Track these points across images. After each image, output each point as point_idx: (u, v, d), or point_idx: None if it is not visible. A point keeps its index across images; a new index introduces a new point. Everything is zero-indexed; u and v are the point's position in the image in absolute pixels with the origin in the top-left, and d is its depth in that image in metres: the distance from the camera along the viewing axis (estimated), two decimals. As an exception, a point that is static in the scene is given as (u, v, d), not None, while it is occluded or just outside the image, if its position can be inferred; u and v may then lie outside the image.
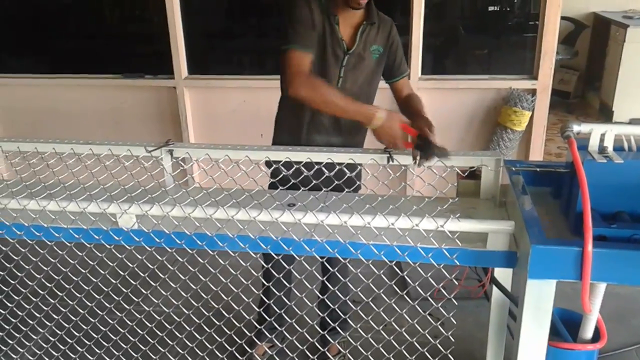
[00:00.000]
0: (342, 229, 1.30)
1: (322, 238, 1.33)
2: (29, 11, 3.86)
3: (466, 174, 1.54)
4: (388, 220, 1.25)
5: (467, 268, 2.03)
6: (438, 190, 1.41)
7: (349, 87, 2.02)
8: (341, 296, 1.75)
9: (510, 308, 1.73)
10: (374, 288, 1.35)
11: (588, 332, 1.43)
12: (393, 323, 1.35)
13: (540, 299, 1.16)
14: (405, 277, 1.35)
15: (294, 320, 1.48)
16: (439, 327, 1.33)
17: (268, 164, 1.67)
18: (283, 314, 1.59)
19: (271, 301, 1.58)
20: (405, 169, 1.54)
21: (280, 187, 1.60)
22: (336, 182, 1.45)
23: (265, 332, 1.73)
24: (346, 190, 1.51)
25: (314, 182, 1.50)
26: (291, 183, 1.49)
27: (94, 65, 3.82)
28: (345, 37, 1.98)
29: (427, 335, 1.34)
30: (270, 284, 1.54)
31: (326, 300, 1.61)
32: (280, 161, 1.60)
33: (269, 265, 1.52)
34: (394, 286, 1.40)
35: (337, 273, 1.53)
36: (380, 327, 1.39)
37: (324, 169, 1.52)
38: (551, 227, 1.28)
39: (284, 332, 1.51)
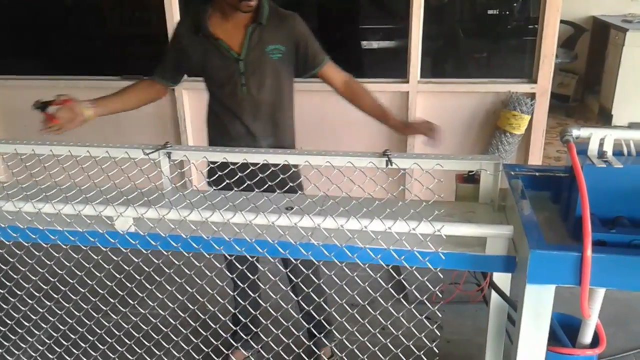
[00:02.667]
0: (339, 232, 1.29)
1: (318, 242, 1.32)
2: (28, 13, 3.85)
3: (465, 177, 1.54)
4: (385, 224, 1.24)
5: (465, 272, 2.02)
6: (436, 194, 1.40)
7: (255, 92, 2.03)
8: (312, 301, 1.73)
9: (509, 312, 1.72)
10: (371, 292, 1.34)
11: (587, 337, 1.42)
12: (390, 326, 1.34)
13: (539, 304, 1.15)
14: (403, 280, 1.34)
15: (269, 322, 1.47)
16: (437, 330, 1.32)
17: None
18: (258, 316, 1.57)
19: (236, 310, 1.56)
20: (403, 172, 1.53)
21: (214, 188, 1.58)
22: (269, 182, 1.44)
23: (242, 334, 1.72)
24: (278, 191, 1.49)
25: (248, 182, 1.49)
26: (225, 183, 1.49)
27: (92, 67, 3.82)
28: (233, 45, 1.99)
29: (424, 339, 1.33)
30: (235, 293, 1.52)
31: (304, 304, 1.59)
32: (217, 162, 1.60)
33: (234, 276, 1.50)
34: (391, 290, 1.39)
35: (304, 277, 1.52)
36: (377, 330, 1.38)
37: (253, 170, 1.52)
38: (550, 231, 1.27)
39: (260, 333, 1.49)
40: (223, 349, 1.52)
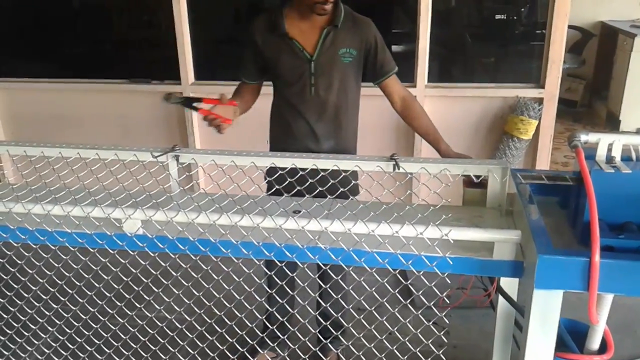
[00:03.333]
0: (346, 236, 1.29)
1: (325, 245, 1.32)
2: (37, 16, 3.88)
3: (472, 182, 1.53)
4: (392, 228, 1.24)
5: (473, 277, 2.02)
6: (443, 198, 1.40)
7: (322, 93, 2.05)
8: (337, 307, 1.74)
9: (516, 318, 1.71)
10: (377, 296, 1.34)
11: (595, 343, 1.41)
12: (396, 332, 1.33)
13: (546, 310, 1.14)
14: (410, 285, 1.34)
15: (296, 329, 1.47)
16: (444, 337, 1.32)
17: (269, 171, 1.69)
18: (286, 323, 1.58)
19: (274, 309, 1.57)
20: (410, 176, 1.53)
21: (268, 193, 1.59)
22: (320, 188, 1.44)
23: (268, 340, 1.73)
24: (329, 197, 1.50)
25: (298, 188, 1.50)
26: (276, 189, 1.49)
27: (101, 70, 3.84)
28: (307, 45, 2.01)
29: (430, 345, 1.32)
30: (273, 291, 1.53)
31: (324, 308, 1.60)
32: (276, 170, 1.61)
33: (272, 273, 1.51)
34: (398, 295, 1.39)
35: (333, 283, 1.52)
36: (384, 336, 1.38)
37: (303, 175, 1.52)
38: (558, 237, 1.26)
39: (287, 340, 1.50)
40: (229, 354, 1.52)
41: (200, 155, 1.73)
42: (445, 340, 1.30)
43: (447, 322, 1.29)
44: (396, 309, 1.33)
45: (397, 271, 1.29)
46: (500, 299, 1.64)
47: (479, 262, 1.26)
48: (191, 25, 3.53)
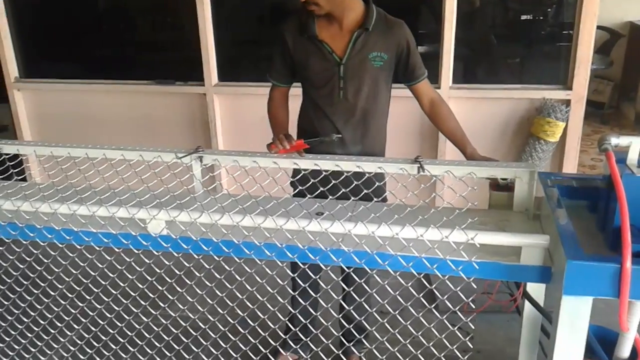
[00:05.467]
0: (369, 239, 1.28)
1: (349, 248, 1.31)
2: (63, 18, 3.94)
3: (499, 185, 1.51)
4: (417, 231, 1.23)
5: (498, 282, 1.98)
6: (469, 202, 1.38)
7: (351, 97, 2.02)
8: (361, 310, 1.73)
9: (542, 324, 1.68)
10: (401, 300, 1.32)
11: (625, 351, 1.38)
12: (420, 337, 1.32)
13: (575, 316, 1.12)
14: (434, 290, 1.32)
15: (319, 331, 1.47)
16: (469, 342, 1.30)
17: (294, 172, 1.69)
18: (308, 325, 1.57)
19: (297, 311, 1.56)
20: (435, 179, 1.51)
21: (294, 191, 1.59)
22: (343, 189, 1.44)
23: (290, 342, 1.72)
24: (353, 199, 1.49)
25: (322, 189, 1.49)
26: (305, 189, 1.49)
27: (126, 72, 3.88)
28: (336, 48, 1.99)
29: (455, 351, 1.30)
30: (297, 293, 1.52)
31: (347, 311, 1.59)
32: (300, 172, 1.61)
33: (296, 275, 1.51)
34: (423, 299, 1.37)
35: (357, 286, 1.51)
36: (408, 341, 1.36)
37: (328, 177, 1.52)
38: (587, 242, 1.23)
39: (309, 343, 1.49)
40: (251, 355, 1.51)
41: (224, 156, 1.73)
42: (471, 346, 1.28)
43: (473, 327, 1.27)
44: (420, 314, 1.32)
45: (422, 275, 1.28)
46: (527, 304, 1.61)
47: (506, 267, 1.24)
48: (215, 27, 3.55)
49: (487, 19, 3.66)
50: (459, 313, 1.30)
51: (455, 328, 1.29)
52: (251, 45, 3.78)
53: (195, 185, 1.69)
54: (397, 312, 1.38)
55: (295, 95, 2.22)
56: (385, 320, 1.37)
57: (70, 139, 1.89)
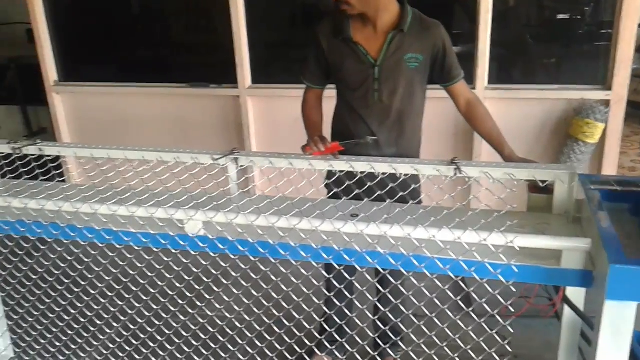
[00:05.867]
0: (406, 241, 1.27)
1: (385, 250, 1.31)
2: (100, 22, 4.02)
3: (538, 188, 1.48)
4: (454, 233, 1.21)
5: (537, 286, 1.95)
6: (508, 204, 1.36)
7: (386, 99, 2.00)
8: (396, 312, 1.72)
9: (582, 329, 1.64)
10: (439, 303, 1.31)
11: (670, 359, 1.34)
12: (458, 340, 1.30)
13: (619, 322, 1.09)
14: (472, 293, 1.30)
15: (354, 332, 1.46)
16: (507, 347, 1.28)
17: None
18: (344, 326, 1.57)
19: (332, 312, 1.56)
20: (472, 181, 1.49)
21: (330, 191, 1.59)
22: (379, 192, 1.43)
23: (326, 343, 1.73)
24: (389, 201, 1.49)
25: (357, 192, 1.49)
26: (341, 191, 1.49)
27: (161, 75, 3.94)
28: (371, 50, 1.98)
29: (494, 354, 1.29)
30: (332, 294, 1.53)
31: (382, 314, 1.59)
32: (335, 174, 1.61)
33: (331, 276, 1.51)
34: (460, 303, 1.36)
35: (392, 289, 1.51)
36: (445, 344, 1.35)
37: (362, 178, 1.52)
38: (630, 245, 1.21)
39: (345, 344, 1.49)
40: (288, 356, 1.52)
41: (259, 157, 1.75)
42: (510, 350, 1.26)
43: (512, 331, 1.25)
44: (457, 317, 1.30)
45: (460, 278, 1.27)
46: (566, 309, 1.58)
47: (546, 270, 1.22)
48: (248, 29, 3.58)
49: (522, 18, 3.60)
50: (497, 317, 1.28)
51: (494, 332, 1.27)
52: (284, 47, 3.80)
53: (231, 187, 1.71)
54: (433, 315, 1.37)
55: (329, 97, 2.23)
56: (422, 323, 1.36)
57: (107, 141, 1.93)
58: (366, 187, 1.49)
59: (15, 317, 2.08)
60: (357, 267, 1.35)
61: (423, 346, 1.36)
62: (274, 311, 1.54)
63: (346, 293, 1.54)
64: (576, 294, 1.55)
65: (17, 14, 4.87)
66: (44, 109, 4.52)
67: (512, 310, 1.34)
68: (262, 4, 3.67)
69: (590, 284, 1.19)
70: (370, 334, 1.57)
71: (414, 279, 1.34)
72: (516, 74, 3.53)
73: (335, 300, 1.53)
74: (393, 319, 1.49)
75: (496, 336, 1.28)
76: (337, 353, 2.01)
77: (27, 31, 4.77)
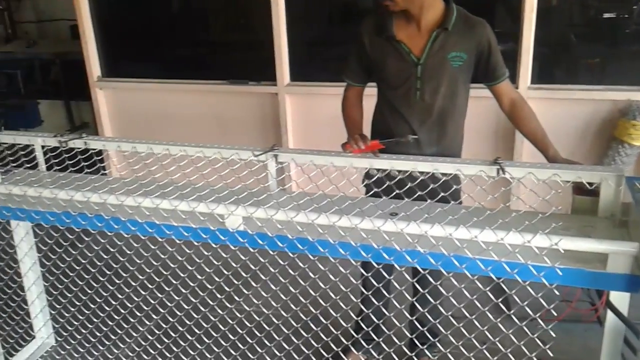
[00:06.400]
0: (446, 241, 1.26)
1: (425, 249, 1.29)
2: (142, 19, 4.09)
3: (583, 189, 1.45)
4: (497, 234, 1.20)
5: (579, 289, 1.91)
6: (553, 206, 1.33)
7: (428, 98, 1.97)
8: (433, 313, 1.71)
9: (626, 335, 1.60)
10: (479, 305, 1.29)
11: None
12: (497, 343, 1.29)
13: (667, 330, 1.06)
14: (514, 296, 1.28)
15: (392, 332, 1.46)
16: (549, 351, 1.25)
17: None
18: (381, 325, 1.56)
19: (370, 311, 1.56)
20: (515, 182, 1.47)
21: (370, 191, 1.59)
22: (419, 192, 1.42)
23: (362, 341, 1.72)
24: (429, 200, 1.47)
25: (397, 191, 1.48)
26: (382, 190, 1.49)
27: (200, 71, 3.99)
28: (414, 48, 1.95)
29: (534, 358, 1.26)
30: (370, 293, 1.52)
31: (420, 314, 1.58)
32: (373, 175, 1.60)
33: (369, 274, 1.50)
34: (501, 305, 1.34)
35: (428, 289, 1.49)
36: (484, 347, 1.33)
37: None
38: (681, 251, 1.17)
39: (382, 343, 1.49)
40: (324, 353, 1.53)
41: (299, 154, 1.75)
42: (551, 354, 1.24)
43: (554, 335, 1.22)
44: (498, 320, 1.28)
45: (502, 280, 1.25)
46: (609, 314, 1.53)
47: (591, 274, 1.20)
48: (288, 27, 3.59)
49: (565, 16, 3.52)
50: (539, 320, 1.25)
51: (535, 336, 1.25)
52: (323, 45, 3.80)
53: (270, 183, 1.72)
54: (473, 317, 1.35)
55: (368, 95, 2.21)
56: (461, 325, 1.35)
57: (147, 135, 1.97)
58: (406, 187, 1.48)
59: (57, 306, 2.14)
60: (396, 265, 1.34)
61: (462, 348, 1.34)
62: (311, 308, 1.54)
63: (384, 292, 1.53)
64: (620, 299, 1.51)
65: (60, 10, 5.02)
66: (85, 104, 4.62)
67: (555, 314, 1.32)
68: (302, 2, 3.68)
69: (637, 289, 1.16)
70: (408, 334, 1.55)
71: (454, 280, 1.32)
72: (559, 73, 3.45)
73: (373, 299, 1.52)
74: (431, 319, 1.47)
75: (537, 340, 1.26)
76: (372, 352, 2.01)
77: (70, 27, 4.92)
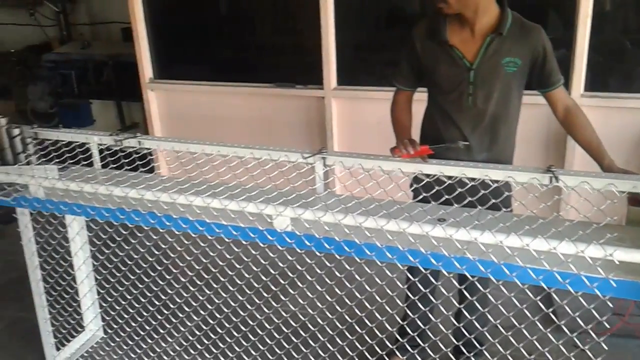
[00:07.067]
0: (496, 248, 1.25)
1: (474, 256, 1.28)
2: (192, 23, 4.18)
3: (639, 200, 1.41)
4: (550, 243, 1.18)
5: (633, 303, 1.85)
6: (608, 217, 1.30)
7: (481, 104, 1.94)
8: (479, 321, 1.68)
9: (682, 353, 1.55)
10: (529, 314, 1.27)
11: None
12: (547, 354, 1.26)
13: None
14: (565, 306, 1.26)
15: (437, 338, 1.45)
16: (601, 364, 1.22)
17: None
18: (427, 330, 1.56)
19: (415, 316, 1.55)
20: (569, 190, 1.44)
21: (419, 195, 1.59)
22: (470, 198, 1.40)
23: (407, 346, 1.71)
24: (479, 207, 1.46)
25: (446, 197, 1.47)
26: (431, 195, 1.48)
27: (248, 74, 4.04)
28: (467, 53, 1.93)
29: (584, 371, 1.24)
30: (417, 298, 1.52)
31: (467, 322, 1.56)
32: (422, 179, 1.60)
33: (416, 279, 1.50)
34: (552, 315, 1.32)
35: (476, 296, 1.48)
36: (532, 358, 1.31)
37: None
38: None
39: (427, 348, 1.48)
40: (368, 355, 1.53)
41: (347, 158, 1.76)
42: (600, 369, 1.21)
43: (606, 347, 1.19)
44: (548, 330, 1.26)
45: (552, 290, 1.23)
46: (665, 330, 1.49)
47: (647, 287, 1.16)
48: (336, 31, 3.60)
49: (619, 22, 3.42)
50: (591, 332, 1.22)
51: (586, 348, 1.22)
52: (370, 50, 3.80)
53: (317, 185, 1.73)
54: (522, 326, 1.33)
55: (417, 100, 2.20)
56: (509, 334, 1.33)
57: (195, 136, 2.00)
58: (456, 192, 1.47)
59: (109, 299, 2.21)
60: (444, 271, 1.33)
61: (509, 358, 1.32)
62: (356, 310, 1.55)
63: (430, 297, 1.52)
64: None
65: (112, 13, 5.18)
66: (135, 104, 4.75)
67: (608, 326, 1.29)
68: (351, 6, 3.69)
69: (696, 304, 1.13)
70: (455, 341, 1.54)
71: (503, 288, 1.31)
72: (613, 81, 3.36)
73: (419, 304, 1.52)
74: (479, 327, 1.46)
75: (588, 352, 1.23)
76: (417, 357, 1.99)
77: (122, 30, 5.07)
